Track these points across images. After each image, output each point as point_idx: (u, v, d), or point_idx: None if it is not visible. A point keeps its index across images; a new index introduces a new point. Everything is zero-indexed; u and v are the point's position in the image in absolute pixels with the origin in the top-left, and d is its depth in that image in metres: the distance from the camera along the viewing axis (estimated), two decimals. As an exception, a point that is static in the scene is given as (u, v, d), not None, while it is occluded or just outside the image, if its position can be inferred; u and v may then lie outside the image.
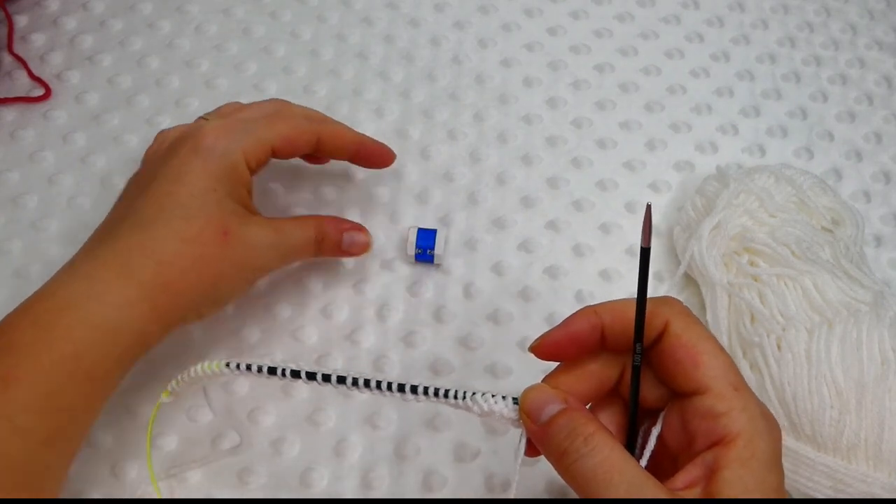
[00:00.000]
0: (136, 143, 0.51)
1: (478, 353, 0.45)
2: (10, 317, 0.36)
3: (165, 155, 0.40)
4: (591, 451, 0.28)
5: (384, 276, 0.47)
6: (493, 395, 0.32)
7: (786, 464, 0.39)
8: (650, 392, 0.32)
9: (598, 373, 0.32)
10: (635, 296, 0.31)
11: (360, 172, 0.51)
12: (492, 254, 0.48)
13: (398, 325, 0.46)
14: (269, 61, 0.55)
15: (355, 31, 0.57)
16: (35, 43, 0.55)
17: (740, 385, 0.30)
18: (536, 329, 0.46)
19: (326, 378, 0.33)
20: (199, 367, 0.36)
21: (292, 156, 0.43)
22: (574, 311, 0.31)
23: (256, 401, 0.43)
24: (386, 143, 0.51)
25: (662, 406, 0.32)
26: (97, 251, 0.37)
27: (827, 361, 0.39)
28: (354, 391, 0.33)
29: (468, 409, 0.32)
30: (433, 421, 0.43)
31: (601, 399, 0.33)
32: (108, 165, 0.50)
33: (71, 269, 0.37)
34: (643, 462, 0.31)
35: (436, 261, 0.47)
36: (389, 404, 0.43)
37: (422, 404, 0.43)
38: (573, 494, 0.30)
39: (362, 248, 0.45)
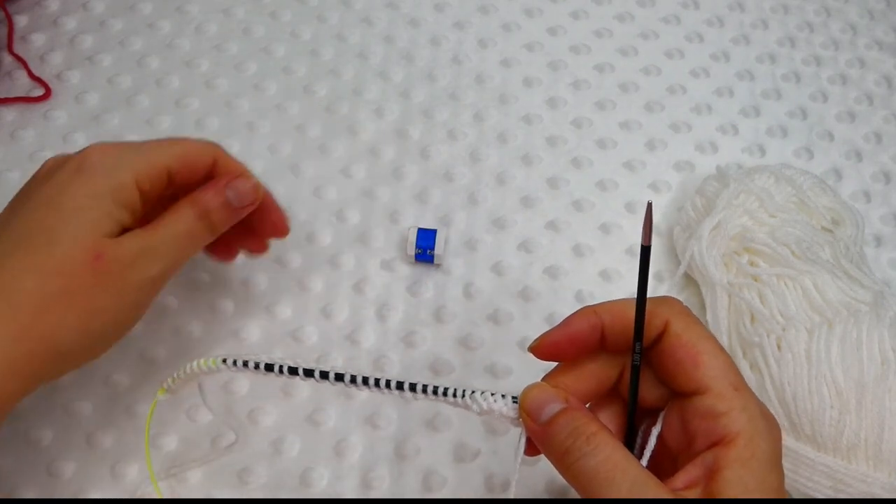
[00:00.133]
0: (136, 143, 0.51)
1: (478, 353, 0.45)
2: None
3: (44, 176, 0.36)
4: (593, 450, 0.28)
5: (384, 276, 0.47)
6: (492, 394, 0.32)
7: (786, 464, 0.40)
8: (650, 392, 0.32)
9: (597, 372, 0.32)
10: (635, 295, 0.31)
11: (359, 172, 0.51)
12: (492, 254, 0.48)
13: (398, 325, 0.46)
14: (269, 61, 0.55)
15: (355, 31, 0.57)
16: (35, 43, 0.55)
17: (740, 385, 0.30)
18: (536, 329, 0.46)
19: (324, 375, 0.33)
20: (195, 363, 0.35)
21: (191, 181, 0.38)
22: (574, 311, 0.31)
23: (256, 401, 0.43)
24: (386, 143, 0.52)
25: (662, 406, 0.32)
26: None
27: (827, 361, 0.39)
28: (353, 389, 0.33)
29: (467, 407, 0.32)
30: (433, 421, 0.43)
31: (601, 399, 0.33)
32: (108, 165, 0.50)
33: None
34: (643, 462, 0.31)
35: (436, 261, 0.47)
36: (389, 404, 0.43)
37: (422, 404, 0.43)
38: (573, 494, 0.30)
39: (253, 196, 0.38)
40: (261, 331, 0.45)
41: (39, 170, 0.37)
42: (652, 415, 0.32)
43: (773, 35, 0.58)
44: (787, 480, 0.40)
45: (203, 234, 0.37)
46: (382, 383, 0.33)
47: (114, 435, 0.42)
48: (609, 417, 0.33)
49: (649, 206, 0.30)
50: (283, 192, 0.50)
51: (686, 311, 0.31)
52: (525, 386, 0.32)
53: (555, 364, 0.33)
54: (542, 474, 0.41)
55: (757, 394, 0.40)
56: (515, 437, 0.32)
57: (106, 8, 0.57)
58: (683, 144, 0.53)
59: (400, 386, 0.32)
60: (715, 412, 0.29)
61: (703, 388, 0.29)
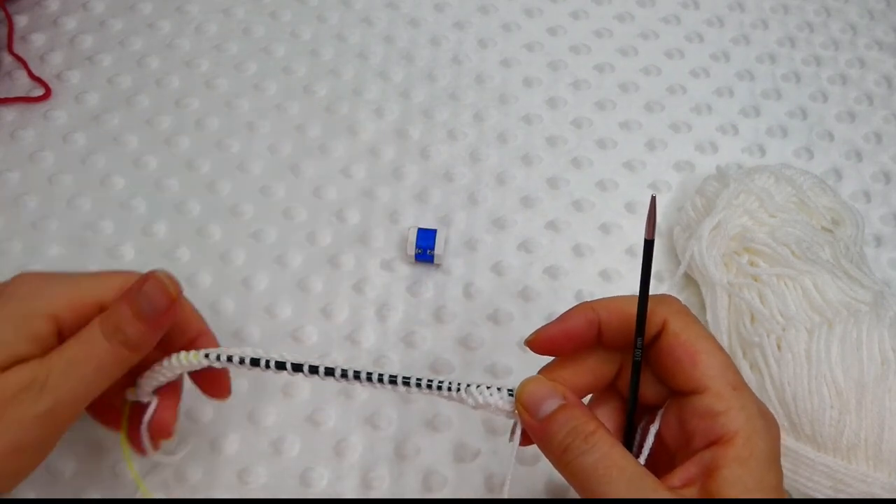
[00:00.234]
0: (136, 143, 0.51)
1: (478, 353, 0.45)
2: None
3: None
4: (591, 448, 0.28)
5: (384, 276, 0.47)
6: (487, 387, 0.31)
7: (786, 464, 0.40)
8: (648, 389, 0.32)
9: (595, 368, 0.32)
10: (635, 294, 0.31)
11: (359, 172, 0.51)
12: (492, 254, 0.48)
13: (398, 325, 0.46)
14: (269, 61, 0.55)
15: (355, 31, 0.57)
16: (35, 43, 0.55)
17: (739, 384, 0.30)
18: (537, 327, 0.46)
19: (314, 369, 0.33)
20: (176, 357, 0.34)
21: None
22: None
23: (256, 401, 0.43)
24: (386, 143, 0.52)
25: (660, 403, 0.32)
26: None
27: (827, 361, 0.39)
28: (348, 385, 0.33)
29: (462, 401, 0.32)
30: (433, 421, 0.43)
31: (599, 394, 0.33)
32: (108, 165, 0.50)
33: None
34: (642, 459, 0.31)
35: (436, 261, 0.47)
36: (389, 404, 0.43)
37: (422, 404, 0.43)
38: (573, 494, 0.30)
39: (166, 297, 0.33)
40: (261, 331, 0.45)
41: None
42: (651, 412, 0.32)
43: (773, 35, 0.58)
44: (786, 480, 0.40)
45: (120, 355, 0.32)
46: (375, 377, 0.32)
47: (114, 435, 0.42)
48: (607, 413, 0.33)
49: (653, 200, 0.30)
50: (283, 192, 0.50)
51: (684, 310, 0.31)
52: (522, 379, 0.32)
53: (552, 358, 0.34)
54: (542, 474, 0.41)
55: (757, 394, 0.40)
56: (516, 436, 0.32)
57: (106, 8, 0.57)
58: (683, 144, 0.53)
59: (393, 380, 0.32)
60: (713, 411, 0.29)
61: (702, 387, 0.29)
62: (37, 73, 0.53)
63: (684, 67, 0.56)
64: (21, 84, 0.53)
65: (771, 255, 0.43)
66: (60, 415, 0.31)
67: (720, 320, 0.44)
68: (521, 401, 0.31)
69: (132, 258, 0.47)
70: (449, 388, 0.32)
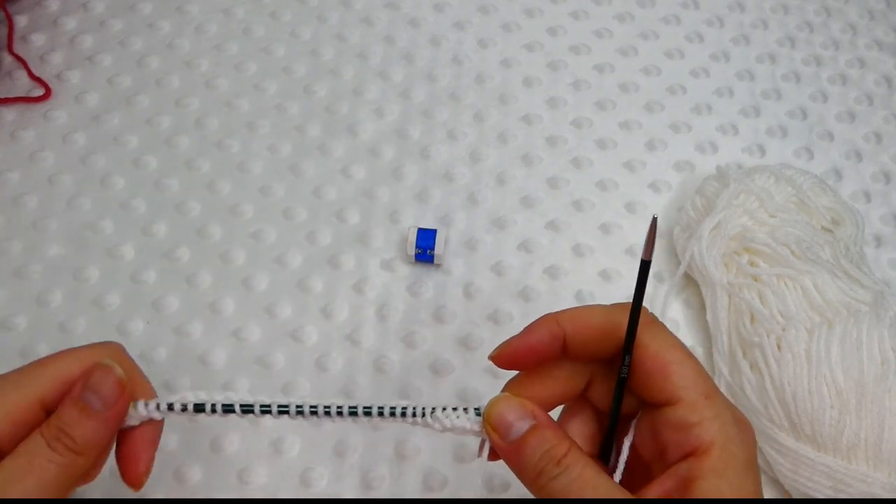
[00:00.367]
0: (136, 143, 0.51)
1: (478, 353, 0.45)
2: None
3: None
4: (564, 471, 0.28)
5: (384, 276, 0.47)
6: (454, 409, 0.30)
7: (786, 463, 0.40)
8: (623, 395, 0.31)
9: (564, 380, 0.31)
10: (632, 297, 0.30)
11: (359, 172, 0.51)
12: (492, 254, 0.48)
13: (398, 325, 0.46)
14: (269, 61, 0.55)
15: (355, 31, 0.57)
16: (35, 43, 0.55)
17: (711, 392, 0.29)
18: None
19: (265, 409, 0.31)
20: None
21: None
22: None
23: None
24: (386, 143, 0.52)
25: (634, 413, 0.31)
26: None
27: (827, 361, 0.39)
28: (301, 420, 0.31)
29: (429, 426, 0.31)
30: (433, 421, 0.43)
31: (571, 406, 0.33)
32: (108, 165, 0.50)
33: None
34: (618, 472, 0.30)
35: (436, 261, 0.47)
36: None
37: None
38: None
39: (118, 391, 0.30)
40: (261, 331, 0.45)
41: None
42: (625, 421, 0.31)
43: (773, 35, 0.58)
44: (786, 480, 0.40)
45: (68, 463, 0.29)
46: (334, 411, 0.31)
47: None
48: (579, 424, 0.32)
49: (654, 221, 0.29)
50: (283, 192, 0.50)
51: (653, 320, 0.30)
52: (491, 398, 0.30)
53: None
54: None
55: (757, 394, 0.41)
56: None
57: (106, 8, 0.57)
58: (683, 144, 0.53)
59: (353, 412, 0.30)
60: (687, 423, 0.28)
61: (674, 398, 0.29)
62: (37, 73, 0.53)
63: (684, 67, 0.56)
64: (21, 84, 0.53)
65: (771, 255, 0.43)
66: None
67: (720, 320, 0.44)
68: (490, 422, 0.30)
69: (132, 258, 0.47)
70: (414, 414, 0.30)
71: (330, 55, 0.55)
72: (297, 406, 0.31)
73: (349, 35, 0.56)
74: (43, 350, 0.44)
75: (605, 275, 0.48)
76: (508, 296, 0.47)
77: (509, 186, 0.51)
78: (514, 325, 0.46)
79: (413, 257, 0.47)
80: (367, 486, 0.41)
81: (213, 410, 0.31)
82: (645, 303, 0.46)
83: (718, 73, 0.56)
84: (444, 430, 0.31)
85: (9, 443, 0.29)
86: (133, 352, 0.44)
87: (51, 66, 0.54)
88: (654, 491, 0.28)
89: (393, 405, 0.30)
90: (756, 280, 0.43)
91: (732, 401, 0.43)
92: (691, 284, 0.47)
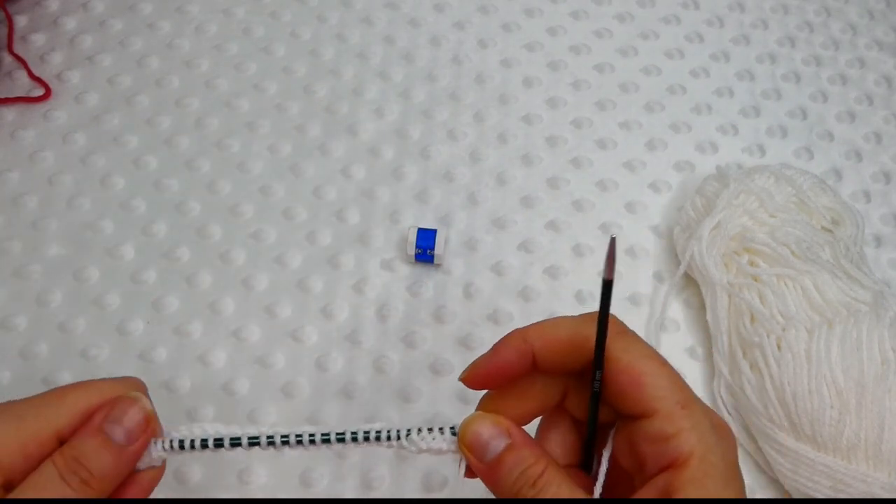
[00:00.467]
0: (136, 143, 0.51)
1: (478, 353, 0.44)
2: None
3: None
4: (541, 490, 0.28)
5: (384, 276, 0.47)
6: (429, 430, 0.30)
7: (786, 463, 0.40)
8: (598, 412, 0.30)
9: (538, 395, 0.31)
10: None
11: (359, 172, 0.51)
12: (492, 254, 0.48)
13: (398, 325, 0.46)
14: (269, 61, 0.55)
15: (355, 31, 0.57)
16: (35, 43, 0.55)
17: (687, 401, 0.28)
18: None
19: (235, 442, 0.30)
20: None
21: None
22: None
23: (257, 401, 0.43)
24: (386, 143, 0.52)
25: (613, 422, 0.31)
26: None
27: (827, 361, 0.39)
28: (273, 451, 0.30)
29: (404, 448, 0.30)
30: (433, 421, 0.43)
31: (549, 417, 0.32)
32: (108, 165, 0.50)
33: None
34: (598, 487, 0.30)
35: (436, 261, 0.47)
36: (390, 405, 0.43)
37: (422, 405, 0.43)
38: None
39: (144, 425, 0.29)
40: (261, 331, 0.45)
41: None
42: (605, 431, 0.31)
43: (773, 35, 0.58)
44: (786, 480, 0.40)
45: (80, 498, 0.27)
46: (306, 439, 0.30)
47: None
48: (559, 436, 0.32)
49: (613, 241, 0.28)
50: (283, 192, 0.50)
51: (623, 330, 0.30)
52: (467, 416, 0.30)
53: None
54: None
55: (757, 394, 0.41)
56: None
57: (106, 8, 0.57)
58: (683, 144, 0.53)
59: (326, 439, 0.30)
60: (663, 435, 0.28)
61: (650, 410, 0.28)
62: (37, 73, 0.53)
63: (684, 67, 0.56)
64: (21, 84, 0.53)
65: (771, 255, 0.43)
66: None
67: (720, 320, 0.44)
68: (465, 443, 0.29)
69: (132, 258, 0.47)
70: (388, 438, 0.30)
71: (330, 55, 0.55)
72: (269, 437, 0.30)
73: (349, 35, 0.56)
74: (43, 350, 0.44)
75: (605, 275, 0.48)
76: (508, 296, 0.47)
77: (509, 186, 0.51)
78: (515, 325, 0.45)
79: (413, 257, 0.47)
80: (367, 486, 0.41)
81: (182, 447, 0.29)
82: (645, 303, 0.47)
83: (718, 73, 0.56)
84: (421, 452, 0.30)
85: (20, 474, 0.27)
86: (133, 352, 0.44)
87: (51, 66, 0.54)
88: None
89: (367, 429, 0.30)
90: (756, 280, 0.43)
91: (732, 401, 0.43)
92: (691, 284, 0.47)
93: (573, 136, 0.53)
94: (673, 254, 0.48)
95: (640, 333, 0.46)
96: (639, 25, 0.58)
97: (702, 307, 0.46)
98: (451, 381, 0.44)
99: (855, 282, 0.42)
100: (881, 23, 0.59)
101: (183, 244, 0.48)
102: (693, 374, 0.45)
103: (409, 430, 0.30)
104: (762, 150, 0.53)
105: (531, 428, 0.32)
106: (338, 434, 0.30)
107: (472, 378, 0.31)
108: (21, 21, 0.56)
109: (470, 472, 0.30)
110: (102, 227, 0.48)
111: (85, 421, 0.28)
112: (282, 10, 0.57)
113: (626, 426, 0.29)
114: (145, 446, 0.29)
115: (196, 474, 0.41)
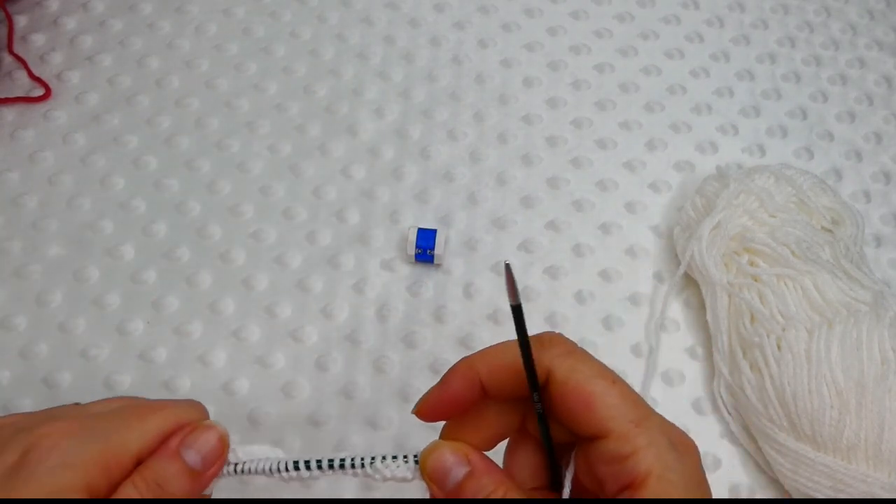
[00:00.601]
0: (136, 143, 0.51)
1: (478, 353, 0.45)
2: None
3: None
4: None
5: (384, 276, 0.47)
6: (393, 458, 0.30)
7: (786, 463, 0.40)
8: (557, 433, 0.30)
9: (497, 420, 0.31)
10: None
11: (359, 172, 0.51)
12: (492, 254, 0.48)
13: (398, 325, 0.46)
14: (269, 61, 0.55)
15: (355, 31, 0.57)
16: (35, 43, 0.55)
17: (641, 417, 0.28)
18: (537, 329, 0.45)
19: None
20: None
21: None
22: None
23: (257, 400, 0.43)
24: (386, 143, 0.52)
25: (573, 442, 0.30)
26: None
27: (827, 361, 0.39)
28: (238, 478, 0.30)
29: (369, 476, 0.30)
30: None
31: (514, 438, 0.32)
32: (108, 165, 0.50)
33: None
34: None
35: (436, 261, 0.47)
36: (390, 404, 0.43)
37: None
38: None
39: (220, 450, 0.30)
40: (261, 331, 0.45)
41: None
42: (568, 451, 0.31)
43: (773, 35, 0.58)
44: (786, 480, 0.40)
45: None
46: (268, 468, 0.30)
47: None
48: (525, 458, 0.31)
49: (507, 267, 0.28)
50: (283, 192, 0.50)
51: (569, 350, 0.29)
52: (428, 444, 0.30)
53: None
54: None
55: (757, 394, 0.41)
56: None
57: (106, 8, 0.57)
58: (683, 144, 0.53)
59: (296, 466, 0.30)
60: (619, 455, 0.27)
61: (604, 431, 0.27)
62: (37, 73, 0.53)
63: (684, 67, 0.56)
64: (21, 84, 0.53)
65: (771, 255, 0.43)
66: None
67: (720, 320, 0.44)
68: (426, 471, 0.29)
69: (132, 258, 0.47)
70: (353, 465, 0.30)
71: (330, 55, 0.55)
72: (235, 464, 0.30)
73: (349, 35, 0.56)
74: (43, 350, 0.44)
75: (605, 275, 0.48)
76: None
77: (509, 186, 0.51)
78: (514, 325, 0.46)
79: (413, 257, 0.47)
80: (367, 486, 0.41)
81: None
82: (645, 303, 0.47)
83: (718, 73, 0.56)
84: (385, 480, 0.30)
85: (103, 494, 0.28)
86: (133, 352, 0.44)
87: (51, 66, 0.54)
88: None
89: (331, 458, 0.30)
90: (756, 280, 0.43)
91: (732, 401, 0.43)
92: (691, 284, 0.47)
93: (573, 136, 0.53)
94: (673, 254, 0.48)
95: (640, 333, 0.47)
96: (639, 25, 0.58)
97: (702, 307, 0.46)
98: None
99: (855, 282, 0.42)
100: (881, 23, 0.59)
101: (183, 244, 0.48)
102: (693, 374, 0.45)
103: (373, 458, 0.30)
104: (762, 150, 0.53)
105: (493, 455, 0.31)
106: (305, 462, 0.30)
107: (423, 411, 0.30)
108: (21, 21, 0.56)
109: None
110: (102, 227, 0.48)
111: (161, 443, 0.29)
112: (282, 10, 0.57)
113: (584, 447, 0.29)
114: (218, 472, 0.30)
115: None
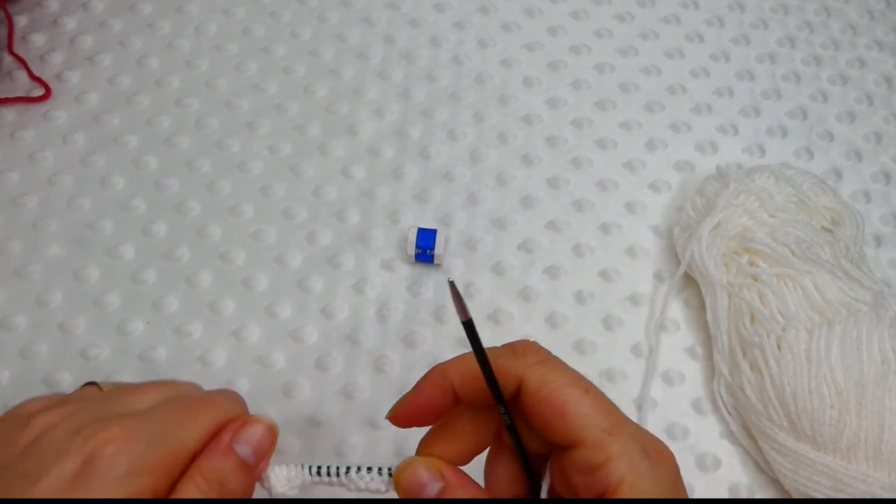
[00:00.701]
0: (136, 143, 0.51)
1: (478, 353, 0.45)
2: None
3: (23, 455, 0.28)
4: None
5: (384, 276, 0.47)
6: (368, 469, 0.30)
7: (786, 463, 0.40)
8: (533, 442, 0.30)
9: (472, 432, 0.31)
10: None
11: (359, 172, 0.51)
12: (492, 254, 0.48)
13: (398, 325, 0.46)
14: (269, 61, 0.55)
15: (355, 31, 0.57)
16: (35, 43, 0.55)
17: (614, 426, 0.27)
18: (536, 329, 0.46)
19: None
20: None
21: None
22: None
23: (257, 400, 0.43)
24: (386, 143, 0.52)
25: (549, 451, 0.30)
26: None
27: (827, 361, 0.39)
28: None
29: (343, 486, 0.30)
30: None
31: (494, 448, 0.32)
32: (108, 165, 0.50)
33: None
34: None
35: (436, 261, 0.47)
36: (390, 404, 0.43)
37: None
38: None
39: (270, 442, 0.31)
40: (261, 331, 0.45)
41: (15, 435, 0.29)
42: (545, 460, 0.31)
43: (773, 35, 0.58)
44: (786, 480, 0.40)
45: None
46: None
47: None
48: (504, 468, 0.31)
49: (451, 284, 0.28)
50: (283, 192, 0.50)
51: (542, 359, 0.29)
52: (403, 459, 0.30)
53: None
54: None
55: (757, 394, 0.41)
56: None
57: (106, 8, 0.57)
58: (683, 144, 0.53)
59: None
60: (592, 465, 0.27)
61: (577, 440, 0.27)
62: (37, 73, 0.53)
63: (684, 67, 0.56)
64: (21, 84, 0.53)
65: (771, 255, 0.43)
66: None
67: (720, 320, 0.44)
68: (401, 487, 0.29)
69: (132, 258, 0.47)
70: (329, 474, 0.30)
71: (330, 55, 0.55)
72: None
73: (349, 35, 0.56)
74: (43, 350, 0.44)
75: (604, 275, 0.48)
76: (508, 296, 0.47)
77: (509, 186, 0.51)
78: (514, 325, 0.46)
79: (413, 257, 0.47)
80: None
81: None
82: (645, 303, 0.47)
83: (718, 73, 0.56)
84: (360, 491, 0.30)
85: (165, 494, 0.28)
86: (133, 352, 0.44)
87: (51, 66, 0.54)
88: None
89: (309, 464, 0.30)
90: (756, 280, 0.43)
91: (732, 401, 0.43)
92: (691, 284, 0.47)
93: (573, 136, 0.53)
94: (673, 254, 0.48)
95: (640, 333, 0.47)
96: (639, 25, 0.58)
97: (702, 307, 0.46)
98: (451, 381, 0.44)
99: (855, 282, 0.42)
100: (881, 23, 0.59)
101: (183, 244, 0.48)
102: (693, 374, 0.45)
103: (348, 468, 0.30)
104: (762, 150, 0.53)
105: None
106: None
107: (397, 417, 0.30)
108: (21, 21, 0.56)
109: None
110: (102, 227, 0.48)
111: (212, 438, 0.29)
112: (282, 10, 0.57)
113: (559, 457, 0.29)
114: (267, 465, 0.30)
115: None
